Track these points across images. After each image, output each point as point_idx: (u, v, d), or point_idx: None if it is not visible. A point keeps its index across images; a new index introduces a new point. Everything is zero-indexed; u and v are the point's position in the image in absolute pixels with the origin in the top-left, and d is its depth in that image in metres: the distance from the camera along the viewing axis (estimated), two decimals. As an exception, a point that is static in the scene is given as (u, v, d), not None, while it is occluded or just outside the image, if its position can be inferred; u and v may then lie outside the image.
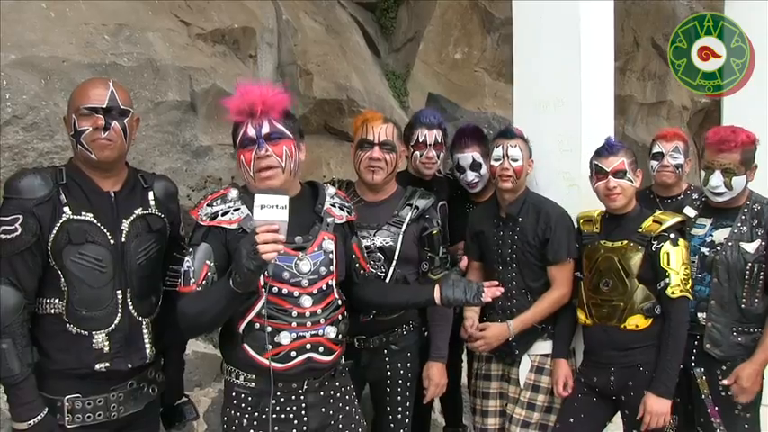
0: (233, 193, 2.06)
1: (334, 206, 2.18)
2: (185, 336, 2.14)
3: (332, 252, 2.08)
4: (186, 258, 2.01)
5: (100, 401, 2.05)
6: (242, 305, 1.97)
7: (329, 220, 2.11)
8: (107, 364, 2.03)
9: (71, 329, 2.00)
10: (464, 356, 3.51)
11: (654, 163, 3.38)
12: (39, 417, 1.95)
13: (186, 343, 2.44)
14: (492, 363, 2.97)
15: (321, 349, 2.04)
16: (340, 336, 2.10)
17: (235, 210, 2.02)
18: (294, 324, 2.00)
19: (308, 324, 2.01)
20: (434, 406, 3.55)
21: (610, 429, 2.89)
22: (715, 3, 6.47)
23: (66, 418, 2.01)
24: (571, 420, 2.75)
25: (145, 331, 2.12)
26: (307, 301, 2.02)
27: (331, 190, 2.23)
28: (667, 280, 2.59)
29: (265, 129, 2.00)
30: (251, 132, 2.00)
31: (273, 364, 1.99)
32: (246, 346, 2.01)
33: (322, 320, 2.04)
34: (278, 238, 1.80)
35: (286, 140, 2.03)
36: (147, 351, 2.12)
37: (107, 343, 2.03)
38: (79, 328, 2.00)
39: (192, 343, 2.55)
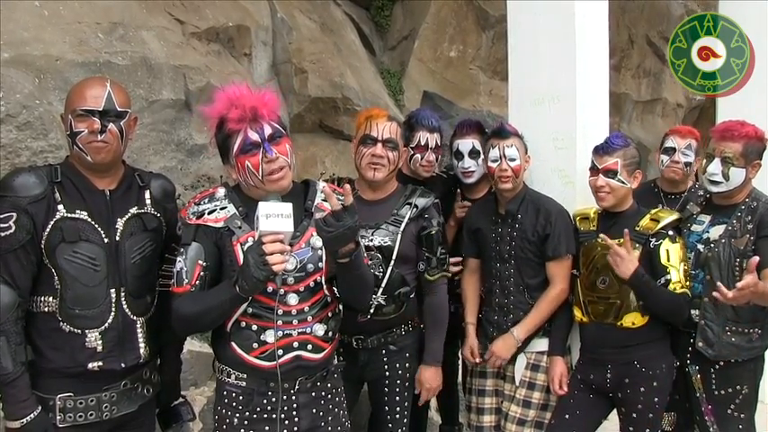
0: (220, 192, 2.06)
1: (326, 200, 2.14)
2: (178, 335, 2.13)
3: (321, 248, 2.04)
4: (178, 258, 2.00)
5: (92, 401, 2.04)
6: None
7: (318, 215, 2.06)
8: (100, 363, 2.02)
9: (64, 328, 2.00)
10: (459, 354, 3.51)
11: (664, 157, 3.34)
12: (32, 415, 1.95)
13: (183, 343, 2.43)
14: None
15: (309, 347, 2.03)
16: (330, 333, 2.08)
17: (221, 208, 2.02)
18: (280, 322, 1.98)
19: (295, 322, 2.00)
20: (431, 404, 3.55)
21: (606, 426, 2.90)
22: (710, 1, 6.48)
23: (58, 417, 2.00)
24: (566, 417, 2.76)
25: (139, 331, 2.11)
26: (293, 299, 2.00)
27: (321, 185, 2.18)
28: (668, 276, 2.58)
29: (267, 131, 1.98)
30: (254, 137, 1.96)
31: (260, 362, 1.99)
32: (234, 344, 2.01)
33: (309, 318, 2.03)
34: (285, 249, 1.82)
35: (285, 138, 2.03)
36: (142, 351, 2.11)
37: (100, 342, 2.02)
38: (72, 327, 2.00)
39: (187, 342, 2.54)
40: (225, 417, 2.06)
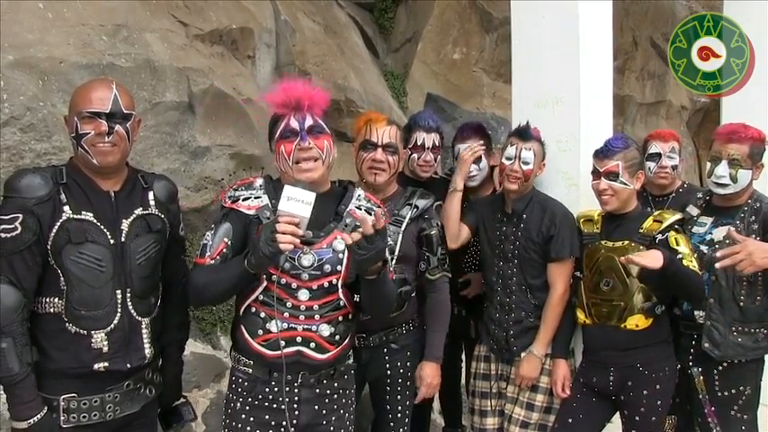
0: (258, 181, 2.16)
1: (360, 208, 2.18)
2: (192, 305, 2.18)
3: (342, 251, 2.07)
4: (207, 233, 2.10)
5: (96, 402, 2.05)
6: (248, 286, 2.04)
7: (348, 220, 2.12)
8: (106, 364, 2.04)
9: (70, 329, 2.01)
10: (462, 356, 3.51)
11: (651, 164, 3.36)
12: (38, 416, 1.96)
13: (185, 344, 2.44)
14: (491, 363, 2.97)
15: (312, 345, 2.06)
16: (337, 336, 2.10)
17: (255, 197, 2.11)
18: (286, 314, 2.04)
19: (302, 317, 2.05)
20: (434, 406, 3.55)
21: (609, 429, 2.89)
22: (714, 2, 6.48)
23: (62, 418, 2.01)
24: (570, 420, 2.75)
25: (144, 331, 2.13)
26: (303, 295, 2.05)
27: (359, 192, 2.23)
28: (680, 255, 2.53)
29: (308, 122, 2.07)
30: (294, 124, 2.06)
31: (263, 349, 2.05)
32: (243, 328, 2.09)
33: (317, 317, 2.06)
34: (296, 232, 1.87)
35: (326, 135, 2.11)
36: (146, 351, 2.13)
37: (106, 343, 2.03)
38: (78, 328, 2.01)
39: (190, 344, 2.53)
40: (231, 401, 2.14)
